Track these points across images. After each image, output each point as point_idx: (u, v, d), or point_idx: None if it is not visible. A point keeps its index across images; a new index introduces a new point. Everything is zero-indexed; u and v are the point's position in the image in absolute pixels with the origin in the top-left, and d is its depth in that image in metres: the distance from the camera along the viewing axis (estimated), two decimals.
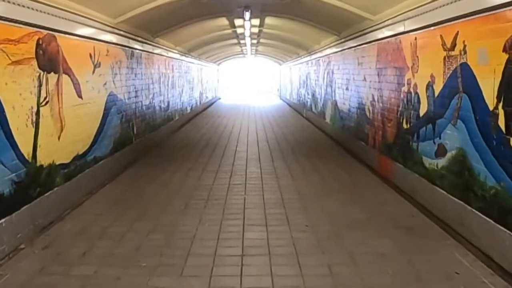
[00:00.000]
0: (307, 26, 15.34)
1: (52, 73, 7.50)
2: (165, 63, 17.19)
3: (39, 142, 6.91)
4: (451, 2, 6.70)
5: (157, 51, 15.39)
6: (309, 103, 23.10)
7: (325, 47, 17.21)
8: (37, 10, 6.88)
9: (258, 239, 5.95)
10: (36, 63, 6.89)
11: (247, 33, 19.22)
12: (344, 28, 13.45)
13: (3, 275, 5.09)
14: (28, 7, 6.64)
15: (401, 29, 8.89)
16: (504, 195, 5.39)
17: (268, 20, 16.15)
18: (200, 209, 7.36)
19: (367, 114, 11.65)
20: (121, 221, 6.85)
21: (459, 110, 6.63)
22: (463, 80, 6.52)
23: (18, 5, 6.36)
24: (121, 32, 11.23)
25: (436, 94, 7.42)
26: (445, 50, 7.04)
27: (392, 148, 9.66)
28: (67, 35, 8.05)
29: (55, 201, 7.35)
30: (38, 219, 6.70)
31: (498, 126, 5.51)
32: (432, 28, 7.51)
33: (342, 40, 14.16)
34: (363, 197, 8.16)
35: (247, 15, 13.69)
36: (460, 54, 6.56)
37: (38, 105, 6.96)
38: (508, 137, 5.34)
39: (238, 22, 16.25)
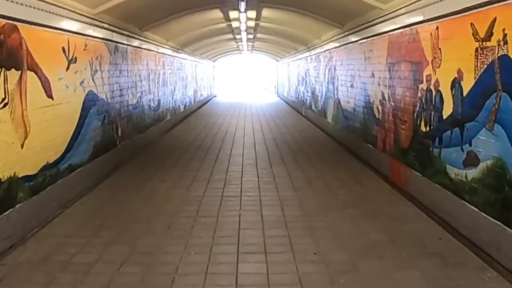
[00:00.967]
0: (307, 18, 14.22)
1: (13, 69, 6.35)
2: (155, 59, 16.02)
3: None
4: None
5: (146, 46, 14.22)
6: (308, 101, 21.97)
7: (326, 42, 16.07)
8: None
9: (256, 274, 4.80)
10: None
11: (242, 27, 18.07)
12: (348, 19, 12.33)
13: None
14: None
15: (419, 18, 7.75)
16: None
17: (265, 13, 15.00)
18: (186, 230, 6.21)
19: (376, 114, 10.53)
20: (92, 246, 5.72)
21: (496, 112, 5.51)
22: (502, 76, 5.40)
23: None
24: (103, 25, 10.07)
25: (464, 93, 6.30)
26: (477, 40, 5.91)
27: (406, 153, 8.55)
28: (33, 26, 6.89)
29: (17, 221, 6.22)
30: None
31: None
32: (459, 15, 6.39)
33: (346, 33, 13.02)
34: (377, 212, 7.04)
35: (242, 6, 12.55)
36: (499, 44, 5.43)
37: None
38: None
39: (233, 14, 15.09)
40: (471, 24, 6.02)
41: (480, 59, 5.85)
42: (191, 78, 26.17)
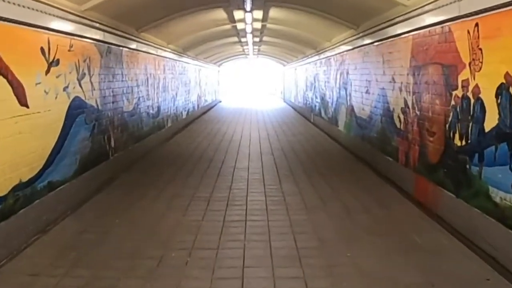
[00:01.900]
0: (317, 19, 13.15)
1: None
2: (155, 62, 14.97)
3: None
4: None
5: (144, 48, 13.18)
6: (317, 108, 20.87)
7: (337, 44, 14.98)
8: None
9: None
10: None
11: (248, 29, 17.02)
12: (364, 19, 11.25)
13: None
14: None
15: (453, 13, 6.64)
16: None
17: (273, 13, 13.93)
18: (179, 268, 5.09)
19: (397, 123, 9.42)
20: None
21: None
22: None
23: None
24: (92, 24, 9.04)
25: None
26: None
27: (436, 169, 7.43)
28: (1, 22, 5.86)
29: None
30: None
31: None
32: (507, 8, 5.29)
33: (361, 34, 11.93)
34: (408, 243, 5.92)
35: (248, 4, 11.49)
36: None
37: None
38: None
39: (238, 15, 14.04)
40: None
41: None
42: (195, 83, 25.13)
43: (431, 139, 7.68)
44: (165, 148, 14.02)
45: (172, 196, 8.11)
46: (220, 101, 39.30)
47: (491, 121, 5.75)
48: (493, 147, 5.70)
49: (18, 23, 6.25)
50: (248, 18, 14.21)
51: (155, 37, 14.07)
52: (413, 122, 8.50)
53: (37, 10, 6.75)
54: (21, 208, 6.25)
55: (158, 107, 15.42)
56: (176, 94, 19.10)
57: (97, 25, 9.29)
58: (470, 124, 6.28)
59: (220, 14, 13.93)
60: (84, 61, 8.74)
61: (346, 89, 14.44)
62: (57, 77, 7.52)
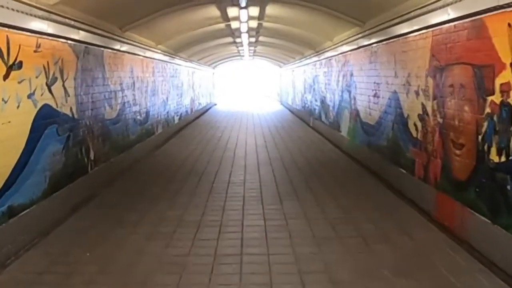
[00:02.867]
0: (318, 16, 12.07)
1: None
2: (143, 64, 13.83)
3: None
4: None
5: (129, 49, 12.03)
6: (317, 111, 19.76)
7: (340, 44, 13.88)
8: None
9: None
10: None
11: (243, 28, 15.90)
12: (372, 15, 10.17)
13: None
14: None
15: (488, 3, 5.54)
16: None
17: (270, 10, 12.82)
18: None
19: (412, 131, 8.32)
20: None
21: None
22: None
23: None
24: (66, 20, 7.91)
25: None
26: None
27: (464, 188, 6.33)
28: None
29: None
30: None
31: None
32: None
33: (367, 32, 10.84)
34: (443, 284, 4.79)
35: (243, 0, 10.37)
36: None
37: None
38: None
39: (232, 12, 12.92)
40: None
41: None
42: (188, 86, 23.98)
43: (458, 152, 6.57)
44: (155, 158, 12.87)
45: (155, 220, 6.94)
46: (215, 104, 38.21)
47: None
48: None
49: None
50: (243, 16, 13.10)
51: (142, 37, 12.94)
52: (433, 131, 7.39)
53: None
54: None
55: (147, 113, 14.28)
56: (167, 98, 17.95)
57: (72, 22, 8.16)
58: None
59: (213, 11, 12.80)
60: (56, 63, 7.61)
61: (349, 92, 13.33)
62: (19, 82, 6.39)
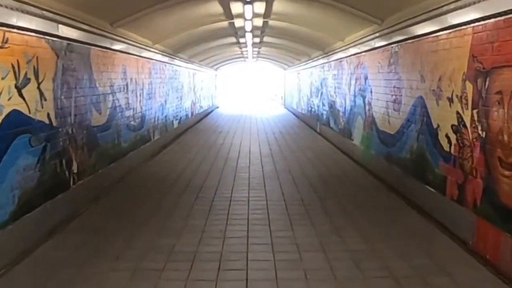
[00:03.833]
0: (330, 12, 10.97)
1: None
2: (137, 65, 12.70)
3: None
4: None
5: (122, 47, 10.91)
6: (324, 116, 18.61)
7: (353, 44, 12.74)
8: None
9: None
10: None
11: (248, 27, 14.78)
12: (392, 11, 9.05)
13: None
14: None
15: None
16: None
17: (277, 5, 11.67)
18: None
19: (443, 144, 7.17)
20: None
21: None
22: None
23: None
24: (42, 12, 6.79)
25: None
26: None
27: None
28: None
29: None
30: None
31: None
32: None
33: (386, 30, 9.71)
34: None
35: None
36: None
37: None
38: None
39: (235, 8, 11.79)
40: None
41: None
42: (188, 88, 22.85)
43: (507, 173, 5.42)
44: (149, 168, 11.71)
45: (142, 252, 5.75)
46: (218, 107, 37.12)
47: None
48: None
49: None
50: (247, 13, 11.97)
51: (137, 34, 11.82)
52: (473, 146, 6.24)
53: None
54: None
55: (142, 118, 13.14)
56: (166, 101, 16.81)
57: (50, 15, 7.04)
58: None
59: (215, 7, 11.65)
60: (28, 62, 6.47)
61: (363, 97, 12.18)
62: None
